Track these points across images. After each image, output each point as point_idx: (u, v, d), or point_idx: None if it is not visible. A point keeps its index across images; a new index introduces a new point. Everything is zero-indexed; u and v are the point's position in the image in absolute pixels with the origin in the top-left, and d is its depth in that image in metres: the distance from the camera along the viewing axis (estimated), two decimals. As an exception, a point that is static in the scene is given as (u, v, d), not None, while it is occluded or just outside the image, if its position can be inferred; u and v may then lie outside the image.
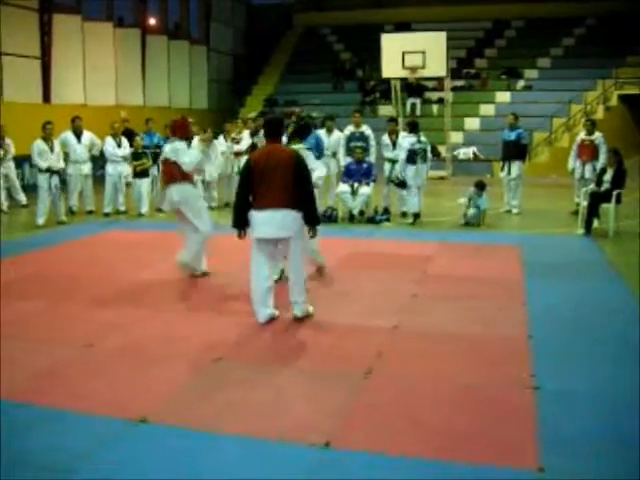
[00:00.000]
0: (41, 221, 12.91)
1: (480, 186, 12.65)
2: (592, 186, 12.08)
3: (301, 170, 6.73)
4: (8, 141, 15.12)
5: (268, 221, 6.69)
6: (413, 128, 13.21)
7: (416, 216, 12.99)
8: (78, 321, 6.52)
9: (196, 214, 8.76)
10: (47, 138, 13.10)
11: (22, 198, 15.45)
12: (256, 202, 6.74)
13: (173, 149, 8.75)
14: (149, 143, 15.28)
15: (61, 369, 5.82)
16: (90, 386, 5.41)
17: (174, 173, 8.70)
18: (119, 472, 4.09)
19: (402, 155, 12.98)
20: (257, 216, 6.73)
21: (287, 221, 6.71)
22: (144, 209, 14.37)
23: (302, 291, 6.94)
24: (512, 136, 14.36)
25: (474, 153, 23.75)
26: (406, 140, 13.16)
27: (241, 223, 6.87)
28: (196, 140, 11.05)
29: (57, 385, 5.47)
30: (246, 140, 14.90)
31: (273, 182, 6.62)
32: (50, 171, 12.86)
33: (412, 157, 12.92)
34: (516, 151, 14.32)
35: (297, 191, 6.70)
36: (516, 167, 14.24)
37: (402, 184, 13.11)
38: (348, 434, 4.52)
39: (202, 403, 5.02)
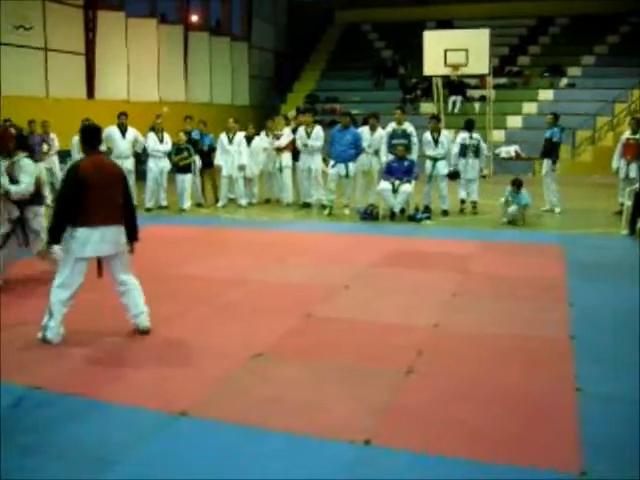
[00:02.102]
0: None
1: (516, 184, 12.56)
2: (637, 185, 11.91)
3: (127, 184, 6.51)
4: (52, 136, 15.34)
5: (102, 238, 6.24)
6: (468, 125, 14.09)
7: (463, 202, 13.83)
8: (121, 314, 6.58)
9: None
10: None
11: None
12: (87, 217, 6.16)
13: None
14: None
15: (105, 361, 5.91)
16: (132, 378, 5.48)
17: None
18: (160, 464, 4.13)
19: (455, 149, 13.72)
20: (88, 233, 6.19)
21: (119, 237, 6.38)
22: (186, 204, 14.48)
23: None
24: (547, 134, 14.28)
25: (516, 152, 23.55)
26: (459, 135, 13.95)
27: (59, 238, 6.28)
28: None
29: (100, 376, 5.55)
30: (287, 136, 14.94)
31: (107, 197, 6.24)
32: None
33: (463, 151, 13.73)
34: (548, 149, 14.24)
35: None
36: (546, 165, 14.19)
37: (455, 175, 13.63)
38: (388, 432, 4.51)
39: (242, 398, 5.04)
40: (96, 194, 6.13)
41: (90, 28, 21.91)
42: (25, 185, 8.07)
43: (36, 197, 8.38)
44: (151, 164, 14.58)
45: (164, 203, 14.78)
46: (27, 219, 8.33)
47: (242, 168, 14.86)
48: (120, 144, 14.34)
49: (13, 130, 8.29)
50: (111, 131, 14.31)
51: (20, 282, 8.51)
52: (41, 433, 4.53)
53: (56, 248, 7.11)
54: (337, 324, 6.81)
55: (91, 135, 6.49)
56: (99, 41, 22.12)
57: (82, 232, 6.16)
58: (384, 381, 5.34)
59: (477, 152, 13.93)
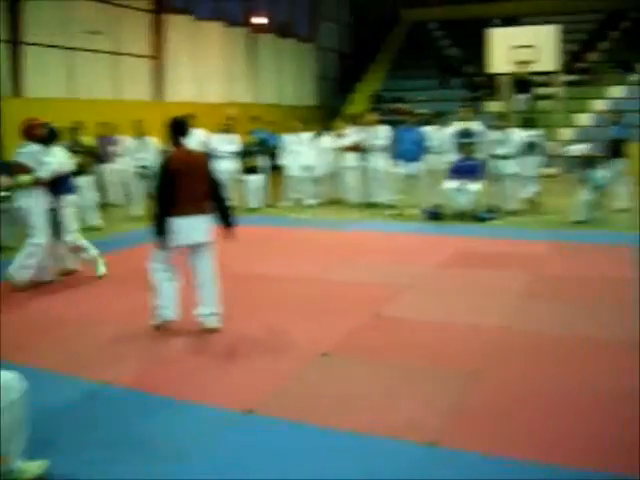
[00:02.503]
0: (137, 213, 13.45)
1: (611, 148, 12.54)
2: None
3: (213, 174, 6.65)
4: (122, 138, 15.64)
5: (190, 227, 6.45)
6: (528, 123, 14.22)
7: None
8: (189, 312, 6.71)
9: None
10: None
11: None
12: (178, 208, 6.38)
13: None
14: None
15: (175, 358, 6.04)
16: (203, 376, 5.58)
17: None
18: (229, 461, 4.20)
19: (517, 147, 13.45)
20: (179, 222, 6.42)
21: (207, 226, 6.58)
22: (254, 204, 14.63)
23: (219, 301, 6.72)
24: (611, 132, 14.01)
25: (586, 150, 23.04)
26: (521, 133, 13.67)
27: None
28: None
29: (171, 373, 5.68)
30: (352, 136, 14.95)
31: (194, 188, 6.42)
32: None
33: (526, 149, 13.52)
34: (613, 148, 13.96)
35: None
36: (614, 164, 13.89)
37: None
38: (455, 434, 4.50)
39: (310, 397, 5.09)
40: (185, 185, 6.34)
41: (158, 32, 22.28)
42: (50, 166, 8.42)
43: (65, 187, 8.64)
44: (218, 165, 14.73)
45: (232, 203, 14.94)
46: (57, 209, 8.60)
47: (308, 168, 14.96)
48: (188, 145, 14.53)
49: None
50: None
51: (86, 278, 8.76)
52: (114, 428, 4.66)
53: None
54: (405, 324, 6.82)
55: (179, 127, 6.63)
56: (167, 44, 22.48)
57: (174, 222, 6.37)
58: (451, 382, 5.33)
59: (541, 150, 13.77)
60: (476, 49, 24.70)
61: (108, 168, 15.28)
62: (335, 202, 15.43)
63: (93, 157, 13.75)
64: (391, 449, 4.29)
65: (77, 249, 8.82)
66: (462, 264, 9.43)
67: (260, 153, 14.91)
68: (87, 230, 12.15)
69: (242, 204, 14.92)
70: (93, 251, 8.92)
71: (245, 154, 14.78)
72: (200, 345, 6.36)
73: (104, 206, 14.46)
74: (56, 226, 8.68)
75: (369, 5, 33.99)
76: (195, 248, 6.57)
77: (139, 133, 13.89)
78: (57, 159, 8.52)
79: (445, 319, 6.94)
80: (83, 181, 12.46)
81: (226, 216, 6.75)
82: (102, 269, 8.89)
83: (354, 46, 33.82)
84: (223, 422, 4.72)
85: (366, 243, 10.98)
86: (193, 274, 6.68)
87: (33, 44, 17.98)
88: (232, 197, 14.84)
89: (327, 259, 9.72)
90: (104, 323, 6.99)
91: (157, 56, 22.24)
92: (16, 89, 17.50)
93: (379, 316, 7.07)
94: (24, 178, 8.36)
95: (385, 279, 8.61)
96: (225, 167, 14.70)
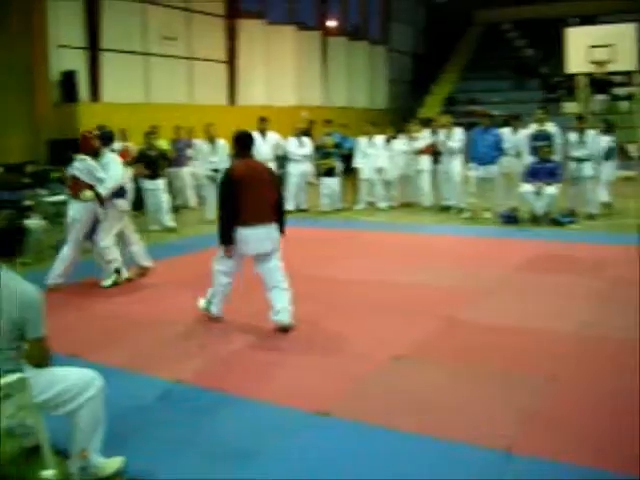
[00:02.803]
0: (211, 216, 13.57)
1: None
2: None
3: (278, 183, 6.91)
4: (197, 141, 15.83)
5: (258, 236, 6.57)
6: (610, 129, 13.89)
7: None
8: (263, 310, 6.74)
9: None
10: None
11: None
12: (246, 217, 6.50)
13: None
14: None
15: (247, 357, 6.06)
16: (275, 376, 5.60)
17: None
18: (301, 463, 4.19)
19: (600, 152, 13.22)
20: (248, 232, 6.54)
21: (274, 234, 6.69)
22: (328, 207, 14.64)
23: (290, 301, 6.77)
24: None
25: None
26: (603, 138, 13.45)
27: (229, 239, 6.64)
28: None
29: (243, 373, 5.69)
30: (425, 139, 14.81)
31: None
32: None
33: (607, 154, 13.39)
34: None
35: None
36: None
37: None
38: (530, 440, 4.38)
39: (382, 400, 5.04)
40: (250, 195, 6.45)
41: (232, 36, 22.54)
42: (109, 183, 8.55)
43: (117, 190, 8.80)
44: (291, 168, 14.83)
45: (304, 206, 14.99)
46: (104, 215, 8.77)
47: (381, 171, 14.90)
48: (261, 148, 14.64)
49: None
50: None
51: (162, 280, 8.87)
52: (185, 426, 4.70)
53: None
54: (480, 328, 6.69)
55: (243, 141, 6.77)
56: (240, 48, 22.71)
57: (239, 232, 6.51)
58: (526, 387, 5.21)
59: (613, 154, 13.62)
60: (552, 49, 24.29)
61: (182, 171, 15.49)
62: (408, 205, 15.31)
63: (167, 160, 13.95)
64: (464, 454, 4.22)
65: (104, 254, 8.84)
66: (538, 268, 9.22)
67: (336, 156, 14.90)
68: (161, 232, 12.38)
69: (316, 206, 14.95)
70: (115, 264, 8.87)
71: (322, 156, 14.80)
72: (272, 345, 6.37)
73: (178, 209, 14.66)
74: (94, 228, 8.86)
75: (442, 7, 33.77)
76: (261, 256, 6.66)
77: (211, 137, 14.02)
78: (112, 173, 8.62)
79: (520, 323, 6.79)
80: (157, 184, 12.66)
81: (282, 225, 6.82)
82: (109, 281, 8.81)
83: (427, 48, 33.62)
84: (295, 423, 4.71)
85: (439, 246, 10.85)
86: (263, 279, 6.75)
87: (110, 50, 18.38)
88: (306, 200, 14.96)
89: (400, 262, 9.64)
90: (174, 323, 7.08)
91: (230, 60, 22.48)
92: (94, 94, 17.91)
93: (453, 319, 6.96)
94: (87, 194, 8.53)
95: (458, 282, 8.49)
96: (298, 170, 14.78)
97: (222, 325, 6.90)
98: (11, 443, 4.35)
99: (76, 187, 8.64)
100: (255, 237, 6.54)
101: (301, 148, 14.85)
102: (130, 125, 15.11)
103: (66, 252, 8.65)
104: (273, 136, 14.84)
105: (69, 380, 3.92)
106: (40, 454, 3.98)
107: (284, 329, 6.64)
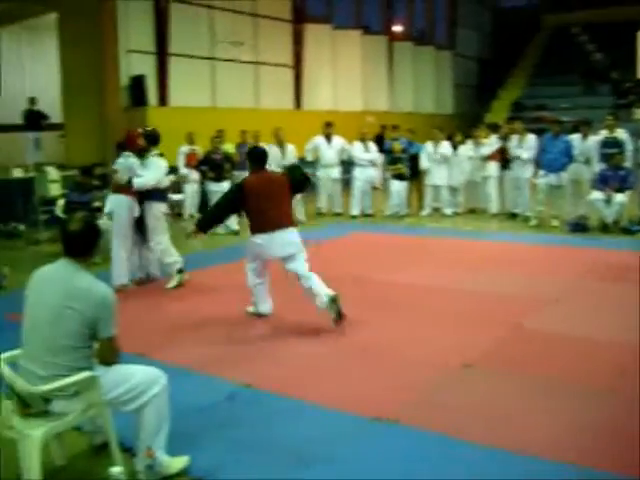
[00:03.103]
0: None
1: None
2: None
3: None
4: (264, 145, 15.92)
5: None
6: None
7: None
8: (314, 316, 6.77)
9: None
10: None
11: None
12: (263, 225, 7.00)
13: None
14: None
15: (313, 363, 6.05)
16: (339, 381, 5.57)
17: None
18: (364, 467, 4.17)
19: None
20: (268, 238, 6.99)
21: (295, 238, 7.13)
22: (394, 211, 14.58)
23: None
24: None
25: None
26: None
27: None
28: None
29: (308, 378, 5.69)
30: (492, 145, 14.61)
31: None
32: None
33: None
34: None
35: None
36: None
37: None
38: (593, 453, 4.27)
39: (451, 408, 4.97)
40: (264, 204, 6.95)
41: (298, 41, 22.63)
42: (144, 179, 8.64)
43: (156, 193, 8.85)
44: (357, 173, 14.81)
45: (369, 211, 14.96)
46: (144, 213, 8.81)
47: (447, 177, 14.78)
48: (326, 153, 14.71)
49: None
50: (318, 141, 14.74)
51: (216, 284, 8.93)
52: (249, 429, 4.72)
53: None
54: (546, 337, 6.56)
55: (257, 156, 7.30)
56: (306, 53, 22.79)
57: (262, 238, 6.98)
58: (593, 399, 5.10)
59: None
60: (623, 53, 23.78)
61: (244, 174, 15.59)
62: (474, 212, 15.14)
63: (231, 163, 14.06)
64: (530, 466, 4.13)
65: (163, 257, 8.91)
66: (605, 277, 9.01)
67: (403, 161, 14.84)
68: (225, 235, 12.47)
69: (381, 211, 14.90)
70: (177, 265, 8.94)
71: (391, 161, 14.76)
72: (337, 350, 6.34)
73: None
74: (142, 231, 8.95)
75: (508, 11, 33.38)
76: (286, 258, 7.04)
77: (280, 141, 14.10)
78: (151, 172, 8.70)
79: (588, 333, 6.64)
80: (222, 186, 12.76)
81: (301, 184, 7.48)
82: (173, 283, 8.89)
83: (493, 53, 33.28)
84: (361, 429, 4.67)
85: (506, 254, 10.69)
86: (296, 278, 7.03)
87: (178, 55, 18.64)
88: (371, 205, 14.92)
89: (465, 269, 9.53)
90: (237, 324, 7.14)
91: (296, 65, 22.58)
92: (162, 98, 18.18)
93: (521, 328, 6.84)
94: (118, 177, 8.73)
95: (526, 290, 8.34)
96: (364, 175, 14.76)
97: (285, 329, 6.91)
98: (80, 440, 4.42)
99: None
100: (275, 242, 6.96)
101: (367, 153, 14.82)
102: (197, 129, 15.29)
103: (117, 252, 8.71)
104: (338, 141, 14.87)
105: (136, 378, 3.97)
106: (108, 451, 4.04)
107: (337, 313, 6.81)
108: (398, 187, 14.69)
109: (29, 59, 21.05)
